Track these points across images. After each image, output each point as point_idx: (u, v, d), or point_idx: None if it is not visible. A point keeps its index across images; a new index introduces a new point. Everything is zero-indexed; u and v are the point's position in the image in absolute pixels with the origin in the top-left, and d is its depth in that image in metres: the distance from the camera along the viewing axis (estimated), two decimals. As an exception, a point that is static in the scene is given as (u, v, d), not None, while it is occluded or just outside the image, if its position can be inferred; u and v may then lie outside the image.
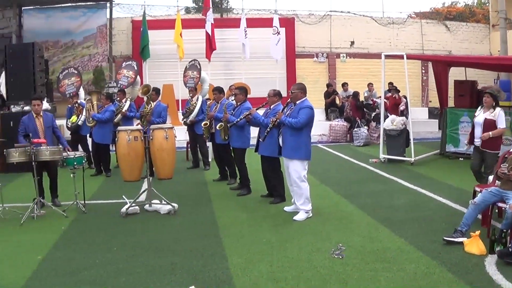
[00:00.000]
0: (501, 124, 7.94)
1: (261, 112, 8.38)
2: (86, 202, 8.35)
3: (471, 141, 8.31)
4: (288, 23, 20.59)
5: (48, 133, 8.54)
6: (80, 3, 18.94)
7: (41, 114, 8.58)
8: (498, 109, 8.00)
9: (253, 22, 19.68)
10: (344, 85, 19.09)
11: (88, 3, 19.03)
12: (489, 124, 7.92)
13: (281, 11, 20.98)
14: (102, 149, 11.30)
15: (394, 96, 16.12)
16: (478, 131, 8.05)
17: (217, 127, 9.41)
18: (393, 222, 7.00)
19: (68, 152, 8.33)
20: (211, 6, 19.01)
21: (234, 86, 12.01)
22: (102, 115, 10.99)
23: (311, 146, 7.49)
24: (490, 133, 7.84)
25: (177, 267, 5.50)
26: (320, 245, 6.07)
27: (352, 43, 21.54)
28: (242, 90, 9.18)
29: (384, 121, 12.60)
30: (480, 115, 8.08)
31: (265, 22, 19.81)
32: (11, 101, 12.77)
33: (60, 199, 8.63)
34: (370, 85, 18.40)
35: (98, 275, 5.37)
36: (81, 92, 14.05)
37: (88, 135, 11.73)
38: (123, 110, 11.46)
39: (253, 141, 8.71)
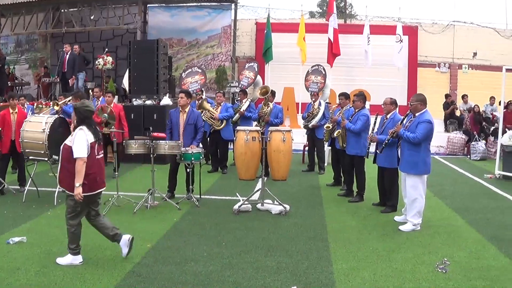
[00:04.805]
0: None
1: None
2: (200, 196, 8.48)
3: None
4: (411, 32, 20.22)
5: (189, 129, 8.57)
6: (204, 3, 19.52)
7: (187, 109, 8.62)
8: None
9: (376, 29, 19.49)
10: (464, 97, 18.52)
11: (213, 3, 19.54)
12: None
13: (405, 19, 20.71)
14: (222, 145, 11.45)
15: (512, 111, 15.16)
16: None
17: (335, 134, 9.36)
18: (501, 240, 6.64)
19: (187, 148, 8.34)
20: (335, 11, 18.81)
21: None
22: (227, 113, 11.14)
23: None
24: None
25: (282, 267, 5.50)
26: (425, 257, 5.93)
27: (475, 54, 20.72)
28: (360, 97, 8.94)
29: (502, 136, 11.71)
30: None
31: (388, 30, 19.58)
32: (133, 94, 13.38)
33: (175, 192, 8.85)
34: (492, 98, 17.82)
35: (204, 267, 5.41)
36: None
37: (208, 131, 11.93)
38: (241, 110, 11.53)
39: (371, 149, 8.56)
